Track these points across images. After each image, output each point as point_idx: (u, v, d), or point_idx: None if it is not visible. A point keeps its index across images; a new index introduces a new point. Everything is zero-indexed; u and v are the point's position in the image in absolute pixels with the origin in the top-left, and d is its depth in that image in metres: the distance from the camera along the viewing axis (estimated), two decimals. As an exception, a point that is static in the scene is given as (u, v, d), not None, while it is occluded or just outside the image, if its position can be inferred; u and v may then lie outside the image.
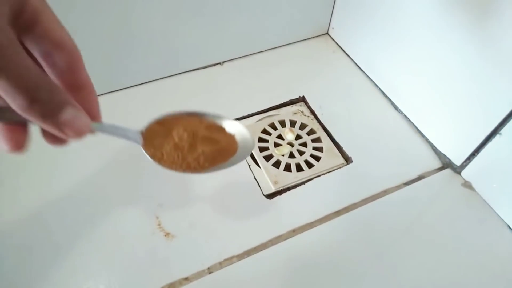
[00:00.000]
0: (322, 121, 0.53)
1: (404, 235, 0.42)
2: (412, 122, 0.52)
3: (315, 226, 0.42)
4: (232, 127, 0.30)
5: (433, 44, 0.45)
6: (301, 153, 0.50)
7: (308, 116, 0.54)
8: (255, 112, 0.53)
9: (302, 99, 0.56)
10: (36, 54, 0.22)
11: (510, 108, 0.39)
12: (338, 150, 0.50)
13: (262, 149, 0.49)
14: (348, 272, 0.39)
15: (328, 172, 0.47)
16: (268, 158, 0.49)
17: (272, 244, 0.41)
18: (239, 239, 0.41)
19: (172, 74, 0.57)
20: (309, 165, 0.48)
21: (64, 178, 0.45)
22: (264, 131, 0.52)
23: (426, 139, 0.50)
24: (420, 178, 0.47)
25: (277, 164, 0.48)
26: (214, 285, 0.38)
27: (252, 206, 0.44)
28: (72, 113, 0.21)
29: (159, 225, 0.42)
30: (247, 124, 0.52)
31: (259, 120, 0.53)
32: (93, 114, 0.25)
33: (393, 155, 0.49)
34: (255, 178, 0.46)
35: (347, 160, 0.49)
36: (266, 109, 0.54)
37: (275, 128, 0.52)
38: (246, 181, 0.46)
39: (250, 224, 0.42)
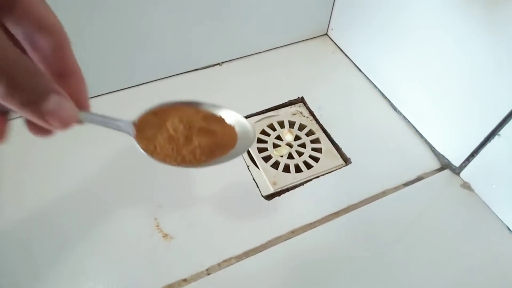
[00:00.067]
0: (321, 122, 0.53)
1: (403, 236, 0.42)
2: (411, 123, 0.52)
3: (314, 227, 0.42)
4: (231, 117, 0.28)
5: (432, 45, 0.45)
6: (300, 154, 0.50)
7: (307, 117, 0.54)
8: (254, 113, 0.53)
9: (301, 100, 0.56)
10: (20, 37, 0.20)
11: (509, 109, 0.39)
12: (337, 151, 0.50)
13: (261, 150, 0.49)
14: (347, 272, 0.39)
15: (327, 173, 0.47)
16: (267, 159, 0.49)
17: (271, 245, 0.40)
18: (237, 240, 0.41)
19: (171, 75, 0.57)
20: (308, 166, 0.48)
21: (63, 179, 0.45)
22: (263, 132, 0.52)
23: (425, 140, 0.50)
24: (419, 179, 0.47)
25: (276, 165, 0.48)
26: (213, 286, 0.38)
27: (250, 207, 0.44)
28: (57, 102, 0.19)
29: (157, 226, 0.41)
30: (246, 125, 0.52)
31: (258, 121, 0.53)
32: (81, 102, 0.23)
33: (392, 156, 0.49)
34: (253, 179, 0.46)
35: (346, 161, 0.49)
36: (265, 109, 0.54)
37: (274, 129, 0.52)
38: (245, 182, 0.46)
39: (249, 225, 0.42)
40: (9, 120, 0.22)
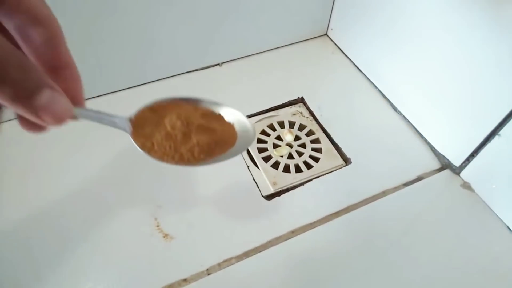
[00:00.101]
0: (321, 122, 0.53)
1: (403, 236, 0.42)
2: (411, 123, 0.52)
3: (314, 227, 0.42)
4: (231, 115, 0.27)
5: (432, 45, 0.45)
6: (300, 154, 0.50)
7: (307, 117, 0.54)
8: (254, 113, 0.53)
9: (301, 100, 0.56)
10: (12, 30, 0.20)
11: (509, 109, 0.39)
12: (337, 151, 0.50)
13: (261, 150, 0.49)
14: (347, 272, 0.39)
15: (327, 173, 0.47)
16: (267, 159, 0.49)
17: (271, 245, 0.40)
18: (238, 240, 0.41)
19: (170, 75, 0.57)
20: (308, 166, 0.48)
21: (62, 180, 0.45)
22: (263, 132, 0.52)
23: (425, 140, 0.50)
24: (419, 179, 0.47)
25: (276, 165, 0.48)
26: (213, 286, 0.38)
27: (251, 207, 0.44)
28: (50, 96, 0.18)
29: (157, 226, 0.41)
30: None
31: (258, 121, 0.53)
32: (76, 98, 0.22)
33: (392, 156, 0.49)
34: (253, 179, 0.46)
35: (346, 161, 0.49)
36: (265, 110, 0.54)
37: (274, 129, 0.52)
38: (245, 182, 0.46)
39: (249, 225, 0.42)
40: (1, 113, 0.22)
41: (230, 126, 0.27)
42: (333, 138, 0.51)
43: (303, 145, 0.51)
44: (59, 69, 0.21)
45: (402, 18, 0.48)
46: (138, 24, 0.49)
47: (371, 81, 0.58)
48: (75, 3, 0.43)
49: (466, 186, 0.46)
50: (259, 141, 0.51)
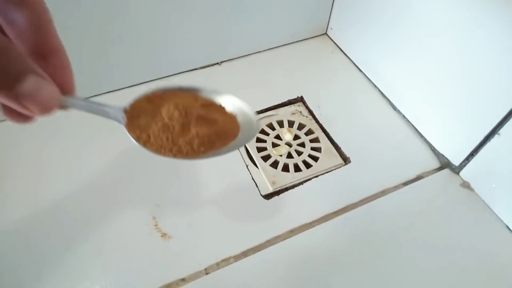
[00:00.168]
0: (320, 121, 0.53)
1: (402, 236, 0.42)
2: (410, 122, 0.52)
3: (313, 227, 0.42)
4: (233, 105, 0.25)
5: (432, 45, 0.45)
6: (299, 153, 0.49)
7: (306, 116, 0.54)
8: (253, 112, 0.53)
9: (300, 99, 0.56)
10: None
11: (508, 108, 0.38)
12: (336, 150, 0.50)
13: (260, 149, 0.49)
14: (347, 272, 0.39)
15: (327, 172, 0.47)
16: (266, 158, 0.48)
17: (270, 245, 0.40)
18: (236, 240, 0.40)
19: (170, 74, 0.57)
20: (307, 166, 0.48)
21: (61, 180, 0.45)
22: (262, 131, 0.52)
23: (425, 139, 0.50)
24: (418, 178, 0.47)
25: (275, 165, 0.48)
26: (211, 286, 0.37)
27: (249, 207, 0.44)
28: (34, 83, 0.17)
29: (155, 225, 0.41)
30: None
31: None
32: (65, 86, 0.21)
33: (391, 155, 0.49)
34: (252, 179, 0.46)
35: (346, 160, 0.49)
36: (264, 109, 0.54)
37: (273, 128, 0.52)
38: (244, 181, 0.46)
39: (248, 224, 0.42)
40: None
41: (232, 117, 0.26)
42: (332, 137, 0.51)
43: (302, 144, 0.50)
44: (47, 55, 0.20)
45: (401, 18, 0.48)
46: (137, 24, 0.49)
47: (370, 80, 0.58)
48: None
49: (466, 185, 0.46)
50: (258, 140, 0.51)
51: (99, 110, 0.22)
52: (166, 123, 0.23)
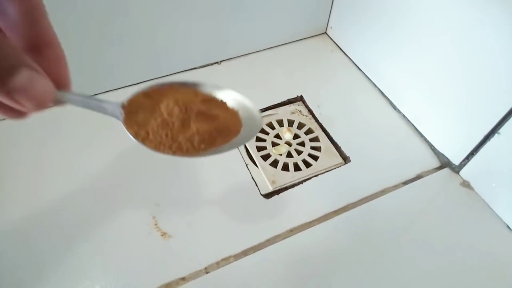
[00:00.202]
0: (320, 121, 0.53)
1: (402, 235, 0.42)
2: (410, 122, 0.52)
3: (313, 226, 0.42)
4: (235, 101, 0.25)
5: (432, 44, 0.45)
6: (299, 152, 0.49)
7: (306, 116, 0.54)
8: (253, 112, 0.53)
9: (300, 99, 0.56)
10: None
11: (508, 107, 0.38)
12: (336, 149, 0.50)
13: (259, 149, 0.49)
14: (346, 271, 0.39)
15: (326, 172, 0.47)
16: (265, 157, 0.48)
17: (270, 244, 0.40)
18: (236, 239, 0.40)
19: (169, 73, 0.57)
20: (307, 165, 0.48)
21: (61, 179, 0.44)
22: (262, 131, 0.52)
23: (425, 139, 0.50)
24: (418, 177, 0.47)
25: (274, 164, 0.48)
26: (211, 285, 0.37)
27: (249, 206, 0.44)
28: (27, 77, 0.16)
29: (155, 225, 0.41)
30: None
31: (257, 120, 0.53)
32: (61, 80, 0.20)
33: (391, 155, 0.49)
34: (252, 178, 0.46)
35: (345, 159, 0.49)
36: (264, 108, 0.54)
37: (273, 128, 0.52)
38: (244, 180, 0.46)
39: (248, 223, 0.42)
40: None
41: (234, 113, 0.25)
42: (332, 136, 0.51)
43: (302, 144, 0.50)
44: (41, 48, 0.19)
45: (401, 17, 0.48)
46: (137, 23, 0.49)
47: (370, 80, 0.58)
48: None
49: (466, 184, 0.46)
50: (258, 139, 0.51)
51: (96, 106, 0.21)
52: (166, 119, 0.22)
